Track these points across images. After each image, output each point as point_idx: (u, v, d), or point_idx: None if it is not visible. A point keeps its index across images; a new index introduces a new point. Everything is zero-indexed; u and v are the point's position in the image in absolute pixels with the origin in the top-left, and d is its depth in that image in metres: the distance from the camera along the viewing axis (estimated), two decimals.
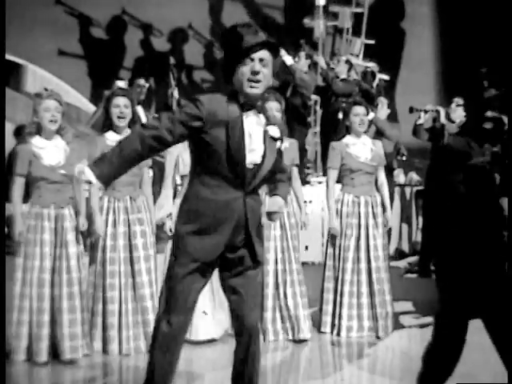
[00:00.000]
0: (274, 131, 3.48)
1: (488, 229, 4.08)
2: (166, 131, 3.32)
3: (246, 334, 3.51)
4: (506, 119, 5.47)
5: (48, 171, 4.99)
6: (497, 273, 4.10)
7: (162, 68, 8.61)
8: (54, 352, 4.99)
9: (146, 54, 11.13)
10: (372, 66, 9.57)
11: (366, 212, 5.92)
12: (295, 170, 5.89)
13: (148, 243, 5.30)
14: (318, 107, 9.99)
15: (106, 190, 5.26)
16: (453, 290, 4.10)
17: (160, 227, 5.53)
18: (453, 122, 7.12)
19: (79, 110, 8.84)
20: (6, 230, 5.55)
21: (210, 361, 5.19)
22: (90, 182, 3.31)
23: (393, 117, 8.07)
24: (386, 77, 9.92)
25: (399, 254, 8.54)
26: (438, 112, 7.46)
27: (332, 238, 5.97)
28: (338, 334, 5.84)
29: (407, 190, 9.01)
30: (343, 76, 8.91)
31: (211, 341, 5.46)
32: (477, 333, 4.15)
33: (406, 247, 8.67)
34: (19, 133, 7.92)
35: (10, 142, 7.49)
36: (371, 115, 6.54)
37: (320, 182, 8.25)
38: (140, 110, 8.02)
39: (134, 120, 5.41)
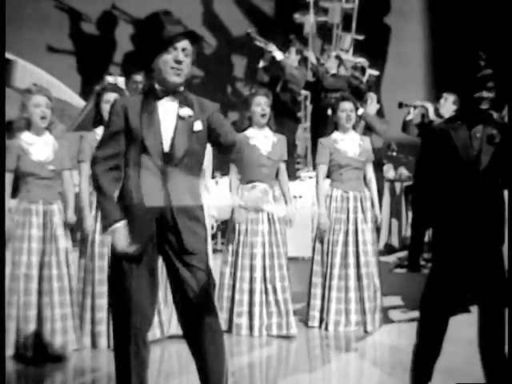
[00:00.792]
0: (185, 111, 3.49)
1: (485, 223, 4.11)
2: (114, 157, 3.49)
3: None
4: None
5: (37, 167, 4.99)
6: (495, 266, 4.14)
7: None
8: (43, 347, 5.00)
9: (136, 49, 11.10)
10: (362, 61, 9.59)
11: (354, 207, 5.95)
12: (283, 166, 5.92)
13: None
14: (308, 102, 10.01)
15: None
16: (443, 282, 4.13)
17: None
18: (441, 117, 7.16)
19: (69, 105, 8.82)
20: None
21: None
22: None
23: (378, 112, 8.10)
24: (375, 72, 9.94)
25: (389, 249, 8.58)
26: (426, 108, 7.52)
27: (320, 232, 5.99)
28: (326, 329, 5.87)
29: (397, 185, 9.05)
30: (333, 71, 8.93)
31: None
32: (465, 327, 4.20)
33: (395, 242, 8.71)
34: (8, 128, 7.90)
35: None
36: (361, 111, 6.57)
37: (310, 177, 8.27)
38: None
39: None
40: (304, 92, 9.65)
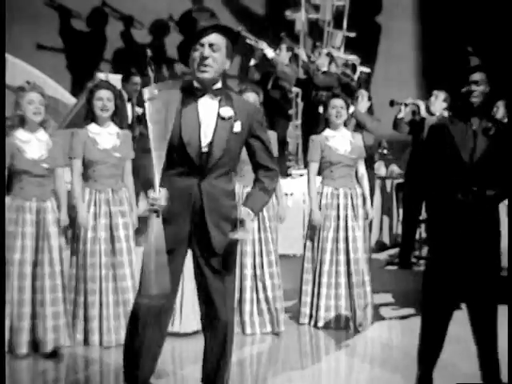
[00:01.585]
0: (226, 111, 3.47)
1: (478, 221, 4.12)
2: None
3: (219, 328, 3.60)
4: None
5: (31, 164, 4.98)
6: (489, 264, 4.16)
7: (142, 60, 8.58)
8: (36, 344, 4.99)
9: (127, 47, 11.08)
10: (353, 58, 9.61)
11: (344, 204, 5.96)
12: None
13: (130, 235, 5.31)
14: (299, 100, 10.01)
15: (87, 183, 5.31)
16: (441, 279, 4.15)
17: (143, 219, 5.52)
18: (432, 114, 7.19)
19: (59, 102, 8.79)
20: None
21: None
22: None
23: (369, 109, 8.11)
24: (367, 69, 9.96)
25: (380, 246, 8.59)
26: (418, 105, 7.54)
27: (311, 230, 6.00)
28: (316, 325, 5.89)
29: (388, 182, 9.06)
30: (324, 69, 8.93)
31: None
32: (453, 324, 4.22)
33: (386, 239, 8.72)
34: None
35: None
36: (352, 108, 6.57)
37: (301, 175, 8.28)
38: (129, 107, 8.00)
39: (117, 113, 5.40)
40: (295, 89, 9.64)
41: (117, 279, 5.25)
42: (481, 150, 4.10)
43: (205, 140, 3.44)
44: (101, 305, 5.23)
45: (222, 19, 11.24)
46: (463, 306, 6.42)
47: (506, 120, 8.19)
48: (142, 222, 5.53)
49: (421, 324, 4.26)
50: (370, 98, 8.08)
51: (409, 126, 7.55)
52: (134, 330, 3.56)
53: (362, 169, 6.14)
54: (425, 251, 7.80)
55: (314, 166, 6.01)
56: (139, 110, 7.43)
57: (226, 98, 3.50)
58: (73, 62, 10.84)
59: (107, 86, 5.42)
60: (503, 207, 7.06)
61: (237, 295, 5.71)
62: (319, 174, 6.07)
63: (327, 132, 6.04)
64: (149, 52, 8.48)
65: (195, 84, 3.48)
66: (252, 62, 9.12)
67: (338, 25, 10.68)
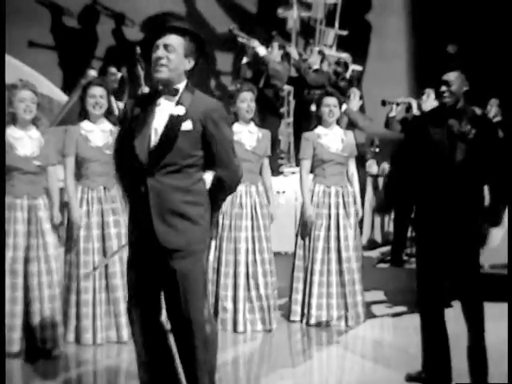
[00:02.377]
0: (177, 110, 3.51)
1: (462, 217, 4.14)
2: None
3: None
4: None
5: (22, 162, 4.97)
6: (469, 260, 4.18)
7: (133, 58, 8.58)
8: (32, 342, 4.97)
9: (118, 44, 11.06)
10: (345, 56, 9.61)
11: (336, 202, 5.97)
12: (266, 161, 5.94)
13: (122, 233, 5.30)
14: (291, 98, 10.01)
15: (79, 181, 5.31)
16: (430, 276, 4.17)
17: None
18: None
19: (51, 99, 8.76)
20: None
21: None
22: None
23: (360, 108, 8.13)
24: (359, 68, 9.97)
25: (372, 244, 8.60)
26: (410, 104, 7.56)
27: (302, 227, 6.01)
28: (308, 323, 5.90)
29: (380, 180, 9.07)
30: (316, 67, 8.94)
31: None
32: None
33: (378, 237, 8.74)
34: None
35: None
36: (344, 107, 6.59)
37: (293, 173, 8.28)
38: (112, 100, 7.97)
39: (110, 110, 5.41)
40: (287, 87, 9.65)
41: (108, 277, 5.25)
42: (460, 153, 4.12)
43: (154, 139, 3.49)
44: (94, 303, 5.24)
45: (214, 17, 11.19)
46: (454, 303, 6.46)
47: (498, 118, 8.23)
48: None
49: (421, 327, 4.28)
50: (361, 97, 8.10)
51: (401, 125, 7.57)
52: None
53: (353, 167, 6.15)
54: None
55: (307, 164, 6.01)
56: (119, 104, 7.41)
57: (183, 98, 3.53)
58: (64, 60, 10.81)
59: (100, 83, 5.44)
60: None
61: (231, 293, 5.72)
62: (311, 171, 6.08)
63: (319, 130, 6.04)
64: (138, 49, 8.46)
65: (158, 85, 3.57)
66: (244, 60, 9.11)
67: (329, 23, 10.68)
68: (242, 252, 5.72)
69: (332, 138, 6.02)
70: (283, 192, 7.75)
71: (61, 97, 8.85)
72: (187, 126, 3.50)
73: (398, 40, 11.42)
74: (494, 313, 6.24)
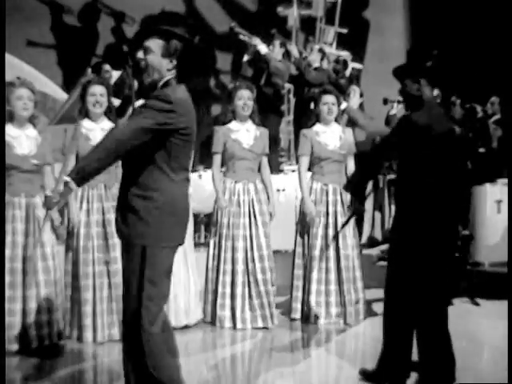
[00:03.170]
0: (139, 103, 3.59)
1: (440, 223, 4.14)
2: None
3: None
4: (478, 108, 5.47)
5: (20, 160, 4.97)
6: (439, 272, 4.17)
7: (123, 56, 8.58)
8: (29, 340, 4.97)
9: (118, 42, 11.05)
10: (345, 54, 9.60)
11: (334, 200, 5.97)
12: (265, 159, 5.94)
13: None
14: (291, 96, 10.01)
15: None
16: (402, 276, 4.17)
17: None
18: None
19: (51, 97, 8.76)
20: None
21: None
22: None
23: (360, 105, 8.13)
24: (359, 65, 9.96)
25: (372, 242, 8.60)
26: None
27: (302, 225, 6.01)
28: (307, 321, 5.90)
29: (380, 178, 9.06)
30: (316, 64, 8.93)
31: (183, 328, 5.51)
32: None
33: (378, 235, 8.73)
34: None
35: None
36: (344, 105, 6.57)
37: (293, 171, 8.27)
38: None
39: (111, 108, 5.41)
40: (287, 85, 9.65)
41: (110, 275, 5.25)
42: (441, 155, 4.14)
43: None
44: (94, 301, 5.24)
45: (214, 15, 11.17)
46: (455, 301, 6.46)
47: (498, 116, 8.23)
48: None
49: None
50: (361, 95, 8.09)
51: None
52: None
53: (351, 165, 6.15)
54: None
55: (305, 161, 6.01)
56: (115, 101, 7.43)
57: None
58: (64, 58, 10.81)
59: (100, 81, 5.44)
60: (494, 204, 7.12)
61: (229, 290, 5.73)
62: (309, 169, 6.08)
63: (318, 127, 6.05)
64: (125, 48, 8.47)
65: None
66: (245, 58, 9.11)
67: (329, 21, 10.67)
68: (239, 250, 5.73)
69: (330, 136, 6.02)
70: (283, 190, 7.75)
71: (60, 95, 8.86)
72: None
73: (397, 38, 11.42)
74: (493, 311, 6.26)
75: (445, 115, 4.45)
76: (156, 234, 3.47)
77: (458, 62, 9.74)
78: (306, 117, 8.11)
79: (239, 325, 5.69)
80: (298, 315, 5.99)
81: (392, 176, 8.83)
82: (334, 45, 10.46)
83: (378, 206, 8.84)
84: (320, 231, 5.93)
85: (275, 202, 6.06)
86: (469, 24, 10.35)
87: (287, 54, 9.47)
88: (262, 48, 8.81)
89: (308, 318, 5.91)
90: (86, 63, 9.76)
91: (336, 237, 5.88)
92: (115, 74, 8.25)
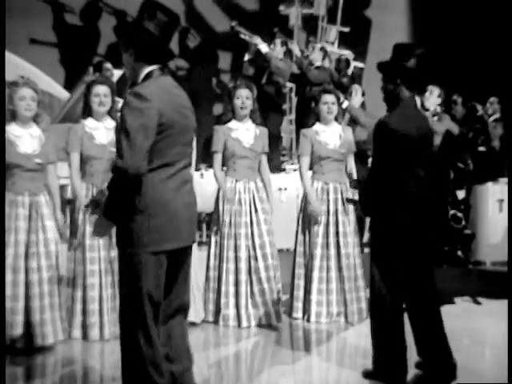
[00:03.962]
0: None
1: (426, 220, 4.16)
2: None
3: None
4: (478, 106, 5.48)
5: (23, 159, 4.99)
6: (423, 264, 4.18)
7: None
8: (32, 338, 4.98)
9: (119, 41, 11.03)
10: (347, 53, 9.60)
11: (334, 199, 5.98)
12: (264, 158, 5.96)
13: None
14: (293, 95, 10.00)
15: (84, 178, 5.32)
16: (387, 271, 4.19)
17: None
18: (427, 109, 7.20)
19: (53, 96, 8.77)
20: None
21: None
22: None
23: (361, 104, 8.12)
24: (361, 64, 9.95)
25: None
26: None
27: (303, 224, 6.02)
28: (308, 320, 5.90)
29: None
30: (318, 63, 8.93)
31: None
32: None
33: None
34: None
35: None
36: (345, 103, 6.58)
37: (295, 170, 8.27)
38: None
39: (114, 108, 5.42)
40: (289, 84, 9.64)
41: (114, 274, 5.26)
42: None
43: None
44: (100, 299, 5.26)
45: (214, 14, 11.14)
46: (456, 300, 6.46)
47: (497, 116, 8.23)
48: None
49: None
50: (363, 94, 8.08)
51: None
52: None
53: (352, 164, 6.17)
54: None
55: (306, 160, 6.03)
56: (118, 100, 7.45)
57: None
58: (66, 57, 10.81)
59: (104, 81, 5.46)
60: (496, 203, 7.13)
61: (232, 289, 5.74)
62: (310, 168, 6.09)
63: (317, 126, 6.06)
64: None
65: None
66: (246, 57, 9.11)
67: (331, 19, 10.67)
68: (242, 248, 5.74)
69: (330, 135, 6.03)
70: (285, 189, 7.75)
71: (62, 94, 8.86)
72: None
73: (399, 37, 11.40)
74: (495, 310, 6.26)
75: (419, 116, 4.44)
76: (140, 240, 3.36)
77: (459, 60, 9.74)
78: (307, 116, 8.13)
79: (244, 323, 5.70)
80: (299, 314, 6.00)
81: None
82: (336, 43, 10.45)
83: None
84: (321, 230, 5.94)
85: (276, 200, 6.08)
86: (469, 24, 10.35)
87: (289, 53, 9.47)
88: (263, 47, 8.81)
89: (309, 316, 5.91)
90: (87, 62, 9.77)
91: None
92: (117, 73, 8.24)
